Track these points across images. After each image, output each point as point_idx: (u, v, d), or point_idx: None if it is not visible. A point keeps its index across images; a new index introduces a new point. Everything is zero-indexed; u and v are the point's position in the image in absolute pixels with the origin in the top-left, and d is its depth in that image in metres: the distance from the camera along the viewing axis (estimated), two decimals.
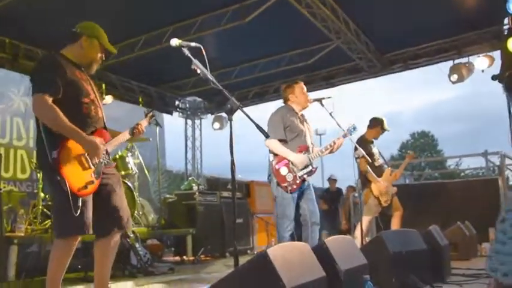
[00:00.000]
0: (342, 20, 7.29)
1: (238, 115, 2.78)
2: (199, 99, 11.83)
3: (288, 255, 2.05)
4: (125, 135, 3.16)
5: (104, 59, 3.09)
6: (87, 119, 2.84)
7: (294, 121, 4.49)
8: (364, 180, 5.81)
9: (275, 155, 4.39)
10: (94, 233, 2.86)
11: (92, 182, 2.74)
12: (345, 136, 4.45)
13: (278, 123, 4.43)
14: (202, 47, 2.77)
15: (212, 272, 5.50)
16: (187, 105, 11.99)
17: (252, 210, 7.98)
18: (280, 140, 4.38)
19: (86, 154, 2.73)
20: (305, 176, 4.34)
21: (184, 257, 6.68)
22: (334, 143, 4.42)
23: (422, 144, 42.35)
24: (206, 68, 2.76)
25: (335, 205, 10.20)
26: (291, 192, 4.28)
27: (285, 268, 1.91)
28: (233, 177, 2.66)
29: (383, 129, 6.04)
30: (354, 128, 4.49)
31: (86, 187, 2.69)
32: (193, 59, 2.76)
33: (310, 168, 4.36)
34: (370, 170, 5.66)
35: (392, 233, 3.87)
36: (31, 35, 7.24)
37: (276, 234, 4.58)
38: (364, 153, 4.63)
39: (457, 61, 8.42)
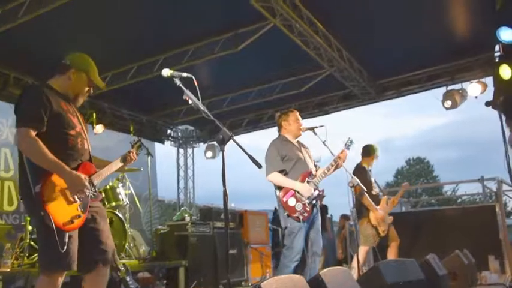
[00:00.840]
0: (334, 48, 7.41)
1: (231, 143, 2.79)
2: (191, 128, 11.87)
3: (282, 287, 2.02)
4: (117, 164, 3.15)
5: (91, 92, 3.08)
6: (73, 152, 2.82)
7: (290, 150, 4.54)
8: (360, 209, 5.80)
9: (280, 188, 4.41)
10: (78, 269, 2.79)
11: (78, 216, 2.70)
12: (342, 152, 4.49)
13: (275, 156, 4.50)
14: (193, 78, 2.80)
15: None
16: (179, 134, 12.01)
17: (246, 240, 7.90)
18: (280, 171, 4.41)
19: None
20: (313, 202, 4.37)
21: None
22: (337, 162, 4.44)
23: (418, 170, 42.49)
24: (198, 98, 2.79)
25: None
26: (303, 221, 4.28)
27: None
28: (226, 208, 2.66)
29: (376, 156, 6.11)
30: (351, 142, 4.57)
31: (71, 221, 2.65)
32: (184, 89, 2.78)
33: (317, 192, 4.38)
34: (368, 199, 5.66)
35: (390, 263, 3.84)
36: (21, 63, 7.29)
37: (279, 265, 4.54)
38: (358, 181, 4.64)
39: (450, 87, 8.55)
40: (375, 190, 5.97)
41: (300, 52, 7.23)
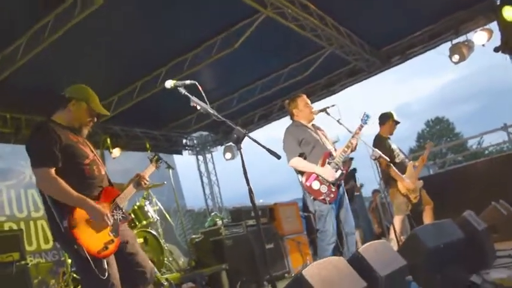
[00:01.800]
0: (331, 26, 7.37)
1: (247, 140, 2.81)
2: (205, 133, 11.93)
3: (325, 272, 2.04)
4: (131, 191, 3.13)
5: (95, 121, 3.10)
6: (92, 180, 2.87)
7: (306, 134, 4.53)
8: (388, 180, 5.77)
9: (302, 173, 4.41)
10: None
11: (111, 241, 2.75)
12: (361, 128, 4.46)
13: (291, 141, 4.49)
14: (197, 83, 2.83)
15: None
16: (195, 142, 12.08)
17: (281, 232, 7.92)
18: (300, 155, 4.42)
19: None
20: (338, 182, 4.37)
21: None
22: (351, 143, 4.43)
23: (439, 130, 41.99)
24: (205, 102, 2.81)
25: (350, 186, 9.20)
26: (330, 203, 4.29)
27: (324, 286, 1.91)
28: (254, 205, 2.67)
29: (395, 122, 6.00)
30: (367, 116, 4.52)
31: (106, 248, 2.70)
32: (190, 96, 2.81)
33: (340, 171, 4.37)
34: (394, 169, 5.60)
35: (427, 228, 3.83)
36: (29, 104, 7.42)
37: (318, 250, 4.56)
38: (380, 153, 4.62)
39: (455, 41, 8.38)
40: (399, 157, 5.90)
41: (297, 37, 7.21)
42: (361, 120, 4.49)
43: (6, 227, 7.61)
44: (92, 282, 2.67)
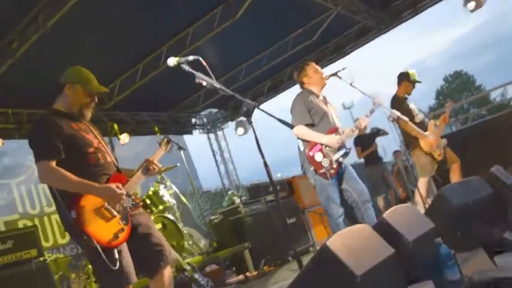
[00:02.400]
0: None
1: (259, 114, 2.80)
2: (215, 110, 11.94)
3: (350, 241, 2.05)
4: (140, 177, 3.09)
5: (96, 102, 3.06)
6: (97, 168, 2.87)
7: (316, 103, 4.48)
8: (409, 140, 5.71)
9: (305, 142, 4.39)
10: (143, 275, 2.92)
11: (122, 230, 2.77)
12: (372, 112, 4.43)
13: (301, 108, 4.42)
14: (200, 58, 2.80)
15: (280, 281, 5.52)
16: (205, 120, 12.10)
17: (302, 206, 7.96)
18: (307, 125, 4.38)
19: (106, 204, 2.75)
20: (341, 159, 4.33)
21: (248, 274, 6.73)
22: (360, 124, 4.40)
23: (458, 85, 41.45)
24: (211, 77, 2.78)
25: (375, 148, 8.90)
26: (330, 178, 4.27)
27: (350, 256, 1.92)
28: (271, 179, 2.68)
29: (412, 82, 5.89)
30: (379, 105, 4.46)
31: (116, 237, 2.72)
32: (195, 72, 2.78)
33: (344, 149, 4.34)
34: (414, 127, 5.52)
35: (453, 186, 3.79)
36: (30, 98, 7.47)
37: (330, 226, 4.57)
38: (398, 114, 4.57)
39: None
40: (419, 117, 5.81)
41: (300, 0, 7.11)
42: (374, 104, 4.43)
43: (20, 224, 7.77)
44: (104, 272, 2.70)
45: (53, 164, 2.72)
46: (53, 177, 2.72)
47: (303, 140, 4.42)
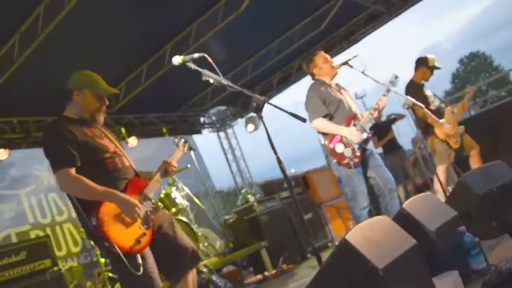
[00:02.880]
0: None
1: (269, 109, 2.81)
2: (223, 108, 11.95)
3: (370, 234, 2.05)
4: (159, 180, 3.10)
5: (106, 104, 3.08)
6: (116, 173, 2.89)
7: (330, 93, 4.47)
8: (425, 128, 5.68)
9: (325, 134, 4.40)
10: (168, 280, 2.94)
11: (143, 235, 2.79)
12: (388, 91, 4.40)
13: (316, 100, 4.42)
14: (206, 55, 2.82)
15: (300, 279, 5.54)
16: (214, 118, 12.12)
17: (318, 200, 7.97)
18: (325, 117, 4.38)
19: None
20: (364, 145, 4.33)
21: (266, 273, 6.76)
22: (378, 105, 4.36)
23: (475, 66, 41.07)
24: (218, 74, 2.80)
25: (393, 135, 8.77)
26: (354, 167, 4.27)
27: (371, 248, 1.92)
28: (285, 175, 2.69)
29: (430, 67, 5.84)
30: (396, 78, 4.41)
31: (138, 242, 2.74)
32: (201, 70, 2.80)
33: (366, 135, 4.34)
34: (430, 114, 5.50)
35: (474, 173, 3.77)
36: (35, 106, 7.55)
37: (352, 217, 4.58)
38: (413, 100, 4.53)
39: None
40: (434, 104, 5.78)
41: None
42: (390, 82, 4.40)
43: (32, 235, 7.84)
44: (128, 279, 2.73)
45: (73, 171, 2.75)
46: (74, 186, 2.76)
47: (322, 133, 4.43)
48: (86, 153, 2.81)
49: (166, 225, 3.00)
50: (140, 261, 2.72)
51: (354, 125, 4.34)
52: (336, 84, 4.66)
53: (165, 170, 3.13)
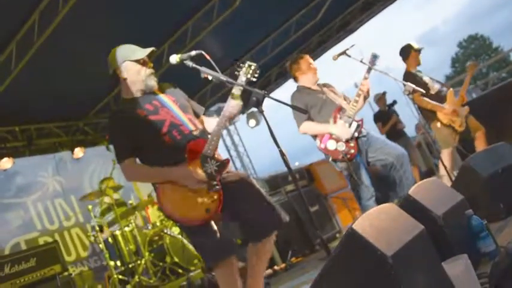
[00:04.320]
0: None
1: (269, 103, 2.81)
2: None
3: (376, 222, 2.05)
4: (218, 135, 2.90)
5: (151, 65, 3.04)
6: (175, 146, 2.79)
7: (310, 96, 4.53)
8: (427, 114, 5.68)
9: (316, 136, 4.42)
10: (249, 239, 2.90)
11: (212, 202, 2.70)
12: (369, 71, 4.38)
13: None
14: (203, 52, 2.82)
15: (309, 271, 5.55)
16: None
17: (323, 192, 7.98)
18: (309, 119, 4.44)
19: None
20: (356, 134, 4.31)
21: (275, 267, 6.77)
22: (362, 89, 4.34)
23: (474, 49, 40.94)
24: (216, 71, 2.80)
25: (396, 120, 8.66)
26: (351, 159, 4.27)
27: (379, 236, 1.92)
28: (289, 168, 2.69)
29: (416, 51, 5.86)
30: (375, 57, 4.40)
31: (208, 211, 2.68)
32: (199, 68, 2.81)
33: (355, 124, 4.32)
34: (429, 100, 5.51)
35: (479, 156, 3.76)
36: (37, 112, 7.57)
37: (360, 207, 4.58)
38: (413, 86, 4.53)
39: None
40: (434, 88, 5.76)
41: None
42: (369, 62, 4.38)
43: (41, 241, 7.89)
44: (205, 250, 2.78)
45: (131, 161, 2.81)
46: (134, 176, 2.93)
47: (314, 136, 4.45)
48: (144, 136, 2.82)
49: (240, 184, 2.88)
50: (215, 227, 2.72)
51: (340, 118, 4.33)
52: (318, 85, 4.68)
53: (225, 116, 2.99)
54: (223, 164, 2.83)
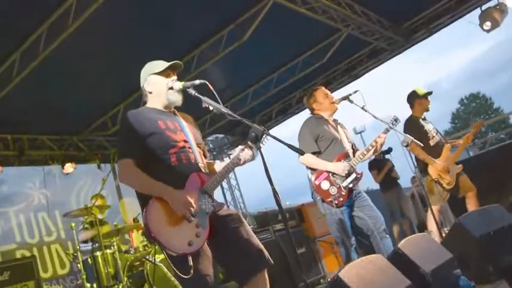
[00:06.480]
0: (344, 6, 7.32)
1: (267, 138, 2.81)
2: (221, 136, 11.97)
3: (363, 272, 2.04)
4: (223, 176, 2.96)
5: (175, 77, 3.10)
6: (178, 168, 2.80)
7: (325, 129, 4.50)
8: (423, 167, 5.67)
9: (313, 170, 4.41)
10: (237, 282, 2.86)
11: (197, 236, 2.67)
12: (387, 131, 4.42)
13: (308, 136, 4.48)
14: (207, 82, 2.83)
15: None
16: (211, 146, 12.14)
17: (312, 235, 7.91)
18: (314, 153, 4.42)
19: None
20: (350, 186, 4.31)
21: None
22: (376, 142, 4.38)
23: (475, 108, 41.46)
24: (218, 102, 2.81)
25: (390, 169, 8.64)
26: (338, 206, 4.26)
27: (363, 287, 1.90)
28: (280, 207, 2.67)
29: (423, 97, 5.85)
30: (396, 120, 4.44)
31: (190, 244, 2.63)
32: (201, 97, 2.82)
33: (354, 175, 4.33)
34: (422, 151, 5.45)
35: (472, 215, 3.78)
36: (30, 123, 7.56)
37: (342, 255, 4.54)
38: (412, 138, 4.53)
39: (485, 6, 8.21)
40: (434, 139, 5.73)
41: (310, 22, 7.20)
42: (390, 122, 4.42)
43: (18, 254, 7.74)
44: (180, 278, 2.69)
45: (131, 162, 2.77)
46: (130, 178, 2.79)
47: (311, 169, 4.44)
48: (151, 145, 2.82)
49: (232, 225, 2.86)
50: (191, 263, 2.63)
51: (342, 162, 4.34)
52: (334, 120, 4.69)
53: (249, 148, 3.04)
54: (219, 206, 2.87)
